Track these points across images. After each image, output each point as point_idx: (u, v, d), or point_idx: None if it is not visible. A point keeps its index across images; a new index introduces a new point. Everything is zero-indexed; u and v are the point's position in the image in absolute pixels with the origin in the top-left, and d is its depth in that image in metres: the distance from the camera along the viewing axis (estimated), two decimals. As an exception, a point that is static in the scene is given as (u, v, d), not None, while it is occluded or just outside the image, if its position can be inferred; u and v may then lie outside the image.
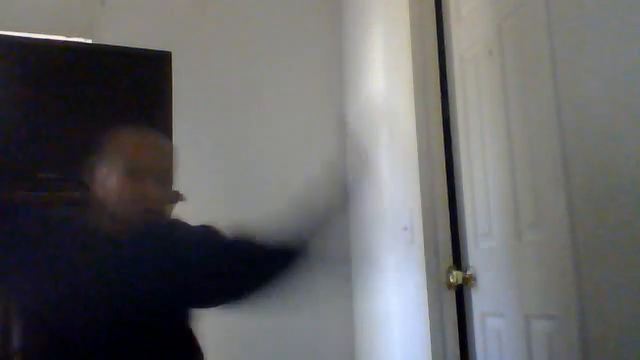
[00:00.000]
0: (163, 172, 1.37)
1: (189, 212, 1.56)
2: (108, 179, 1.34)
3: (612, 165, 1.48)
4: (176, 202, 1.58)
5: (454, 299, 2.20)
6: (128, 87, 2.36)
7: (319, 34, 3.17)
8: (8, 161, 2.18)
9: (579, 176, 1.58)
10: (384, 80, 2.66)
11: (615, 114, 1.47)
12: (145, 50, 2.48)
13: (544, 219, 1.74)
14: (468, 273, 2.13)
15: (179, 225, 1.48)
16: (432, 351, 2.18)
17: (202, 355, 1.45)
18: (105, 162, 1.36)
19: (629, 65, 1.44)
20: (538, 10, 1.75)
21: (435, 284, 2.21)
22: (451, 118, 2.29)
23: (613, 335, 1.46)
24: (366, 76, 2.87)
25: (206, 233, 1.46)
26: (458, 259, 2.20)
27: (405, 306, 2.40)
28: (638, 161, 1.40)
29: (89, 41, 2.75)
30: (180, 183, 2.19)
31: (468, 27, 2.19)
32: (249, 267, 1.43)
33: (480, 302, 2.09)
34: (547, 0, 1.70)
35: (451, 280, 2.17)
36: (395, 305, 2.48)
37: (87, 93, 2.34)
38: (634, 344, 1.40)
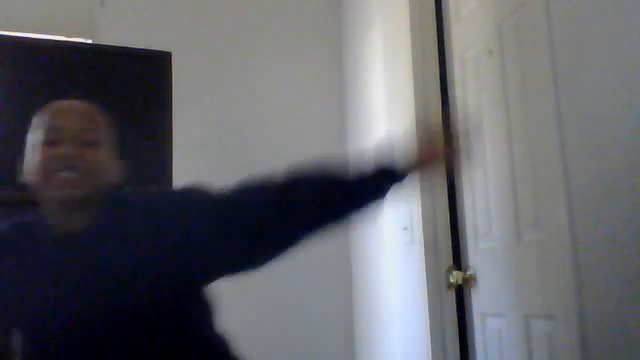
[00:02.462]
0: (82, 134, 1.21)
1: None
2: (30, 156, 1.24)
3: (612, 165, 1.48)
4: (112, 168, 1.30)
5: (454, 299, 2.20)
6: (128, 87, 2.36)
7: (319, 34, 3.17)
8: (8, 161, 2.18)
9: (579, 176, 1.58)
10: (384, 80, 2.66)
11: (615, 114, 1.47)
12: (145, 50, 2.49)
13: (544, 219, 1.74)
14: (468, 273, 2.13)
15: (154, 194, 1.33)
16: (432, 351, 2.18)
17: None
18: (26, 144, 1.26)
19: (629, 65, 1.44)
20: (538, 10, 1.75)
21: (435, 284, 2.21)
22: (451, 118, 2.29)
23: (613, 335, 1.46)
24: (366, 76, 2.87)
25: (190, 194, 1.30)
26: (458, 259, 2.20)
27: (405, 306, 2.40)
28: (638, 161, 1.40)
29: (89, 41, 2.75)
30: (179, 183, 2.19)
31: (468, 27, 2.19)
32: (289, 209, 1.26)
33: (480, 302, 2.09)
34: (547, 0, 1.70)
35: (451, 280, 2.17)
36: (395, 305, 2.48)
37: (87, 93, 2.34)
38: (634, 344, 1.40)
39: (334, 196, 1.28)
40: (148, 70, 2.44)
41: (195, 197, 1.30)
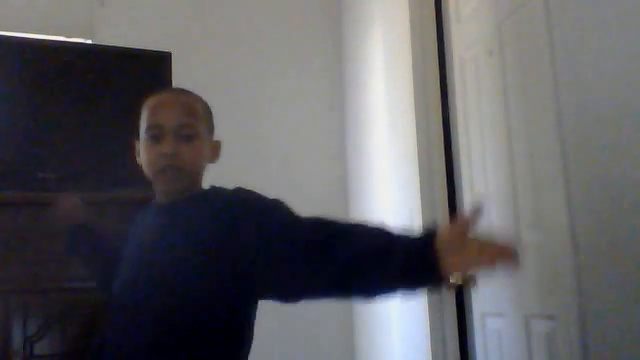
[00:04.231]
0: (180, 130, 1.35)
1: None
2: (141, 147, 1.39)
3: (612, 165, 1.48)
4: (211, 155, 1.47)
5: (454, 299, 2.20)
6: (128, 87, 2.36)
7: (319, 34, 3.17)
8: (8, 161, 2.18)
9: (579, 176, 1.58)
10: (384, 80, 2.66)
11: (615, 114, 1.47)
12: (145, 50, 2.48)
13: (544, 219, 1.74)
14: (468, 273, 2.13)
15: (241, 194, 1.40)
16: (432, 351, 2.18)
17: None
18: (136, 132, 1.41)
19: (629, 65, 1.44)
20: (538, 10, 1.75)
21: (435, 284, 2.20)
22: (451, 118, 2.29)
23: (613, 335, 1.46)
24: (366, 76, 2.87)
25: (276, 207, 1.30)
26: (458, 259, 2.20)
27: (405, 306, 2.40)
28: (638, 161, 1.40)
29: (89, 41, 2.75)
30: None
31: (468, 27, 2.19)
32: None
33: (480, 302, 2.09)
34: (547, 0, 1.70)
35: (451, 280, 2.16)
36: (395, 305, 2.48)
37: (87, 93, 2.34)
38: (634, 344, 1.40)
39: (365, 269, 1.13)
40: (148, 70, 2.44)
41: (272, 211, 1.31)
